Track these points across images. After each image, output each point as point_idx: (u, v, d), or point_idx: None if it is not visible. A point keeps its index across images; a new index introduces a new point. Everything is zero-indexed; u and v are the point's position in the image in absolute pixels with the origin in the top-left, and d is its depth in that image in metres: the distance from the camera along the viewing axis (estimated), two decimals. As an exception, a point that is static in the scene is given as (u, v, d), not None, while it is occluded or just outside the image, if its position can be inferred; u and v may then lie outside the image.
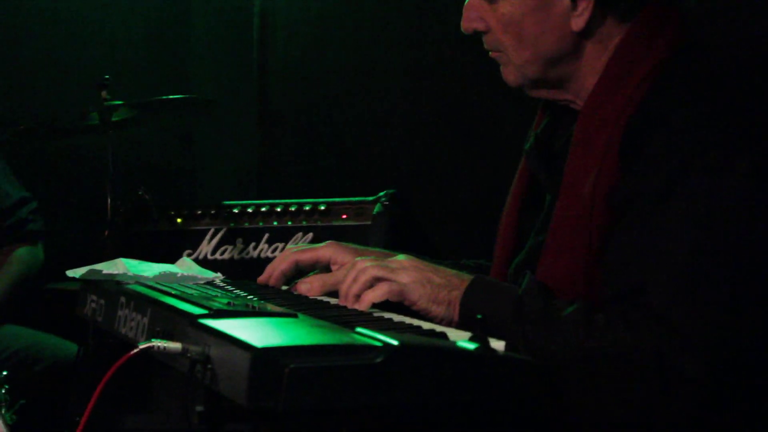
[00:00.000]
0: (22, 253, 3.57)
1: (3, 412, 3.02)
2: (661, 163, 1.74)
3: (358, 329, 1.46)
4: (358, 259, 1.95)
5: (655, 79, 1.83)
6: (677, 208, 1.72)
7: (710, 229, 1.70)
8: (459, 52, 3.69)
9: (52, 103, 4.28)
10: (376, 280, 1.87)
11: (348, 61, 4.38)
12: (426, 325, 1.69)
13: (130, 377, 1.62)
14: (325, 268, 2.14)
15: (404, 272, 1.88)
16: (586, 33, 1.91)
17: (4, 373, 3.10)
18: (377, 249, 2.20)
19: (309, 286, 2.05)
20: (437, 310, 1.85)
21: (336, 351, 1.36)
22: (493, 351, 1.42)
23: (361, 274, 1.89)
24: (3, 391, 3.05)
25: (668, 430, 1.68)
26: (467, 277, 1.87)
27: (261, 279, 2.19)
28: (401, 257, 1.92)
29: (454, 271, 1.90)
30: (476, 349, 1.40)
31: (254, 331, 1.44)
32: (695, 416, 1.66)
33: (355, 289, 1.88)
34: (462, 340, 1.45)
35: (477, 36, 1.99)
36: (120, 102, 3.50)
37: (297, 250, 2.17)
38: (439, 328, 1.66)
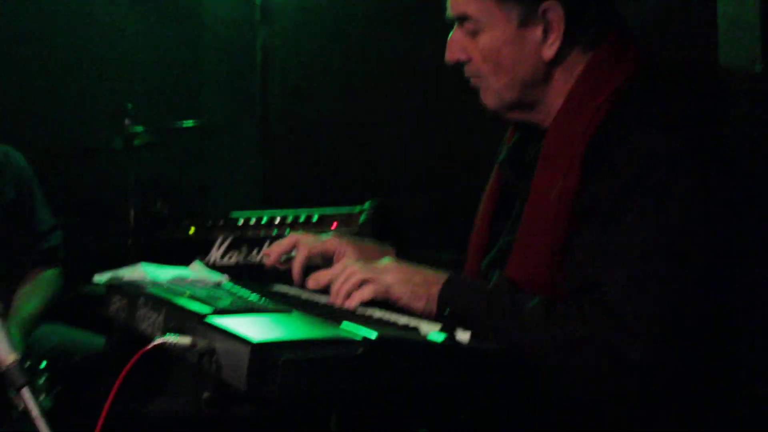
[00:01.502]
0: (50, 275, 3.51)
1: (42, 398, 3.03)
2: (618, 174, 1.74)
3: (343, 325, 1.47)
4: (349, 263, 1.96)
5: (615, 101, 1.82)
6: (632, 212, 1.71)
7: (661, 232, 1.69)
8: (444, 81, 3.70)
9: (78, 129, 4.26)
10: (364, 282, 1.89)
11: (337, 89, 4.41)
12: (402, 320, 1.70)
13: (152, 366, 1.63)
14: (330, 258, 2.18)
15: (388, 273, 1.89)
16: (555, 61, 1.91)
17: (44, 363, 3.10)
18: (370, 240, 2.26)
19: (316, 282, 2.06)
20: (418, 304, 1.85)
21: (323, 344, 1.38)
22: (459, 342, 1.43)
23: (351, 276, 1.90)
24: (42, 380, 3.06)
25: (621, 412, 1.69)
26: (444, 275, 1.88)
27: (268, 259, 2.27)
28: (386, 260, 1.94)
29: (432, 271, 1.92)
30: (443, 340, 1.42)
31: (253, 328, 1.46)
32: (644, 400, 1.67)
33: (346, 288, 1.90)
34: (432, 332, 1.46)
35: (458, 66, 2.00)
36: (141, 128, 3.53)
37: (305, 240, 2.22)
38: (413, 323, 1.66)
